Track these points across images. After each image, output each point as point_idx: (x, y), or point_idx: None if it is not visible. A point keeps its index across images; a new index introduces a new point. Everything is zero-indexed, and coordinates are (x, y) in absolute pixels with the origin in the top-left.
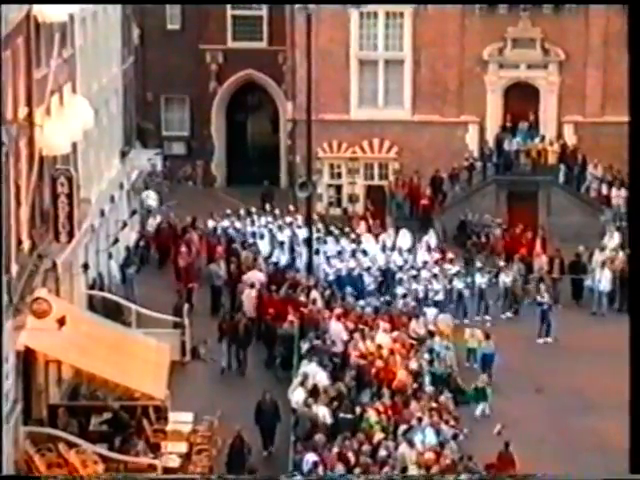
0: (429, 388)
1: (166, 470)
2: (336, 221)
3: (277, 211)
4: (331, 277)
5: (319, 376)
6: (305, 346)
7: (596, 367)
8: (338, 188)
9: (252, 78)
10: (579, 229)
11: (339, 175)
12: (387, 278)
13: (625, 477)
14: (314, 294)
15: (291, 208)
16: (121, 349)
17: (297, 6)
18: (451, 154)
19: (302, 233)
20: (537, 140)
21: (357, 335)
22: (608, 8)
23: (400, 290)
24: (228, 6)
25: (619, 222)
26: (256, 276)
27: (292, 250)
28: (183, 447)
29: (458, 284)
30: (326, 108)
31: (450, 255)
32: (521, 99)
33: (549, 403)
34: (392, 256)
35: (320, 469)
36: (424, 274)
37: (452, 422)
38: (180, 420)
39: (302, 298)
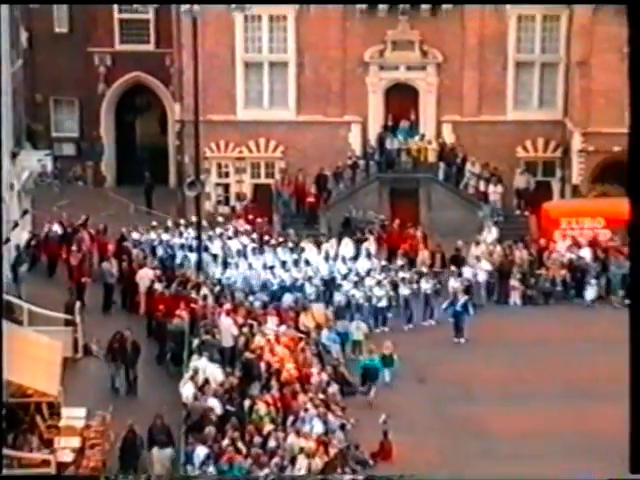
0: (316, 380)
1: (60, 465)
2: (224, 219)
3: (205, 223)
4: (275, 287)
5: (209, 370)
6: (195, 341)
7: (476, 357)
8: (226, 187)
9: (140, 80)
10: (458, 224)
11: (227, 174)
12: (330, 287)
13: (625, 477)
14: (204, 290)
15: (220, 219)
16: (13, 347)
17: (183, 9)
18: (335, 153)
19: (234, 244)
20: (417, 139)
21: (246, 330)
22: (483, 10)
23: (338, 297)
24: (115, 9)
25: (496, 217)
26: (147, 274)
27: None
28: (76, 442)
29: (404, 290)
30: (213, 109)
31: (400, 262)
32: (401, 99)
33: (431, 392)
34: (335, 265)
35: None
36: (368, 281)
37: (339, 412)
38: (73, 416)
39: (193, 294)
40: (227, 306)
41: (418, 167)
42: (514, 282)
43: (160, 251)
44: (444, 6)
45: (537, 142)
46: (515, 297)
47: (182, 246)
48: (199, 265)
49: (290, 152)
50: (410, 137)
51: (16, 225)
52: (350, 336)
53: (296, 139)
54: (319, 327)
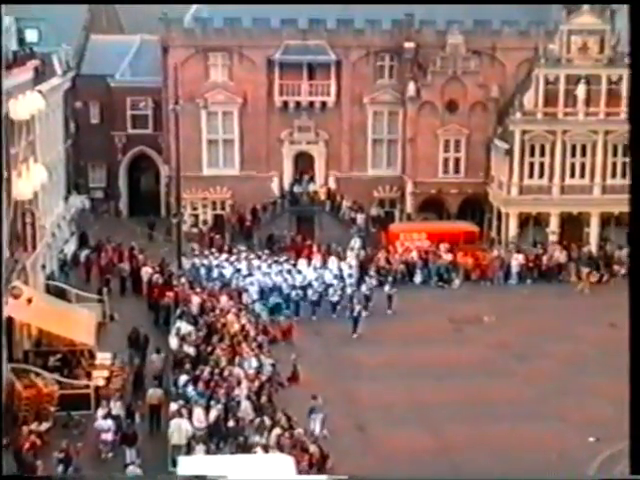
0: (252, 333)
1: (96, 388)
2: (194, 236)
3: (235, 250)
4: (270, 286)
5: (186, 329)
6: (177, 311)
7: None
8: (196, 216)
9: (143, 152)
10: (338, 238)
11: (196, 208)
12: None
13: (625, 477)
14: (182, 280)
15: (242, 247)
16: (66, 316)
17: (170, 108)
18: (263, 195)
19: (255, 262)
20: (313, 186)
21: (208, 304)
22: (352, 108)
23: (294, 293)
24: (128, 108)
25: (360, 233)
26: (147, 270)
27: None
28: (105, 374)
29: (348, 289)
30: (188, 169)
31: (372, 272)
32: (304, 162)
33: (323, 341)
34: (324, 275)
35: (190, 385)
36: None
37: (268, 354)
38: (103, 358)
39: (175, 282)
40: (197, 289)
41: (314, 204)
42: (372, 273)
43: (202, 270)
44: (328, 105)
45: (386, 187)
46: (372, 282)
47: (218, 265)
48: (179, 265)
49: (236, 194)
50: (309, 185)
51: (67, 241)
52: (268, 306)
53: (239, 187)
54: (254, 301)
